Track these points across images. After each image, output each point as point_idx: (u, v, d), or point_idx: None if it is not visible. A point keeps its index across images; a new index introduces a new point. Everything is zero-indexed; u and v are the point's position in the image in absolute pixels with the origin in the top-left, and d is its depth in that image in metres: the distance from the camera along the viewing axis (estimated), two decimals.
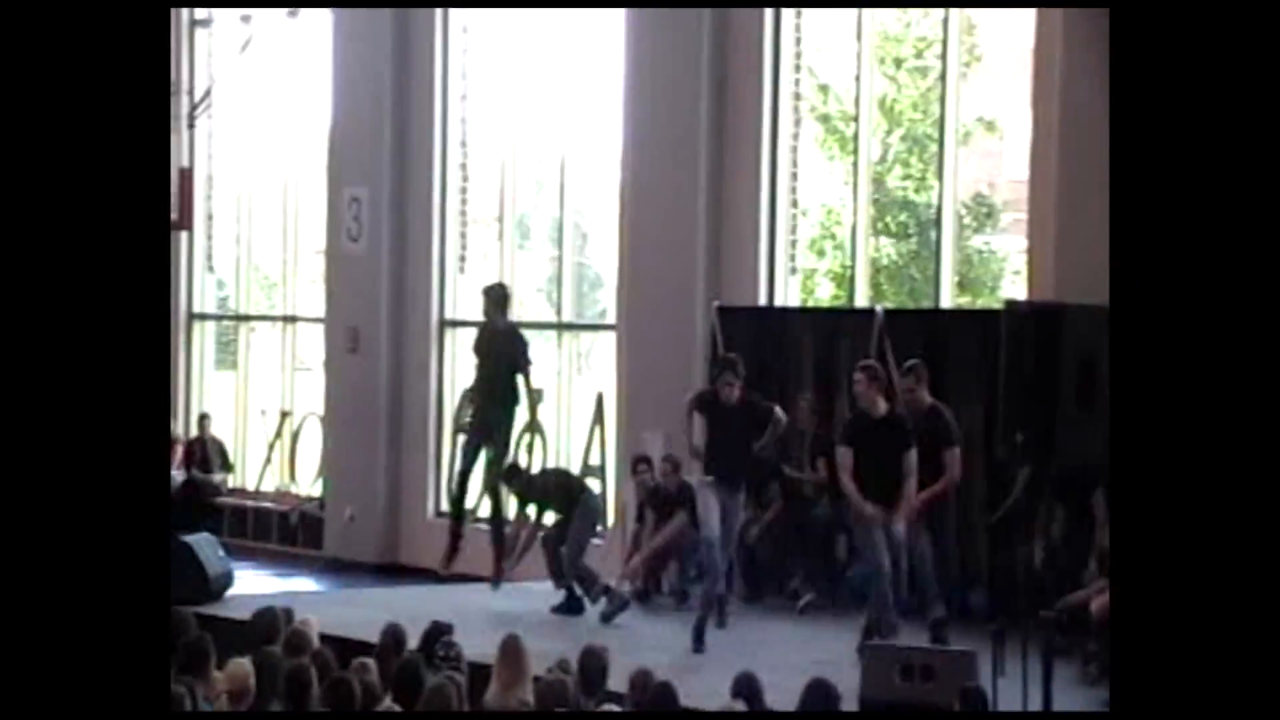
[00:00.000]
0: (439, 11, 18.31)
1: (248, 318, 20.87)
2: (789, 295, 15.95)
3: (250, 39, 19.16)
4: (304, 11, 19.38)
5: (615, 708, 8.54)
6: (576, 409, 17.55)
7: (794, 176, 15.92)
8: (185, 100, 19.37)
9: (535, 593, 14.08)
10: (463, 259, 18.48)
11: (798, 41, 15.91)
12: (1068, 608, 11.27)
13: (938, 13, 15.21)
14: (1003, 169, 15.85)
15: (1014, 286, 15.27)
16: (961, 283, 15.48)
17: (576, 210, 18.07)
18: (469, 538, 14.46)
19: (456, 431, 15.08)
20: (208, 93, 19.38)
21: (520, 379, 14.02)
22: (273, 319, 20.65)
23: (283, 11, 19.56)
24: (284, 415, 20.01)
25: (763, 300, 15.79)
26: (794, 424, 13.65)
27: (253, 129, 20.45)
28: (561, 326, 17.90)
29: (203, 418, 20.34)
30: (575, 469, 17.13)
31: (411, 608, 12.51)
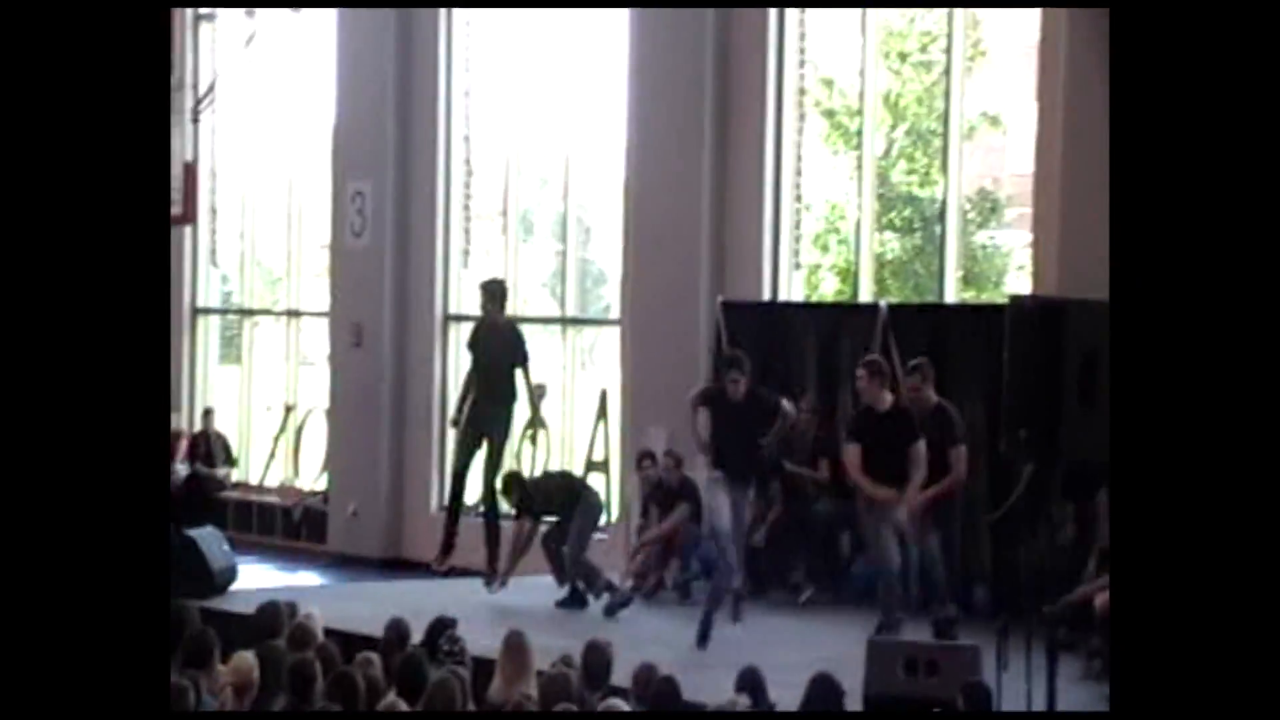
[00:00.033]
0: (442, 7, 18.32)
1: (251, 312, 20.88)
2: (793, 290, 15.94)
3: (254, 34, 19.15)
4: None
5: (619, 702, 8.54)
6: (580, 404, 17.55)
7: (798, 171, 15.91)
8: (190, 95, 19.34)
9: (539, 587, 14.08)
10: (466, 254, 18.48)
11: (802, 36, 15.90)
12: (1072, 604, 11.27)
13: (942, 7, 15.21)
14: (1007, 164, 15.84)
15: (1018, 282, 15.26)
16: (966, 278, 15.48)
17: (580, 205, 18.07)
18: (471, 532, 14.46)
19: (452, 424, 14.95)
20: (212, 87, 19.37)
21: (520, 375, 14.00)
22: (276, 313, 20.66)
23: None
24: (288, 410, 20.02)
25: (766, 295, 15.78)
26: (794, 425, 13.62)
27: (257, 124, 20.45)
28: (565, 322, 17.90)
29: (207, 412, 20.36)
30: (579, 464, 17.15)
31: (415, 602, 12.51)
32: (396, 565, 17.75)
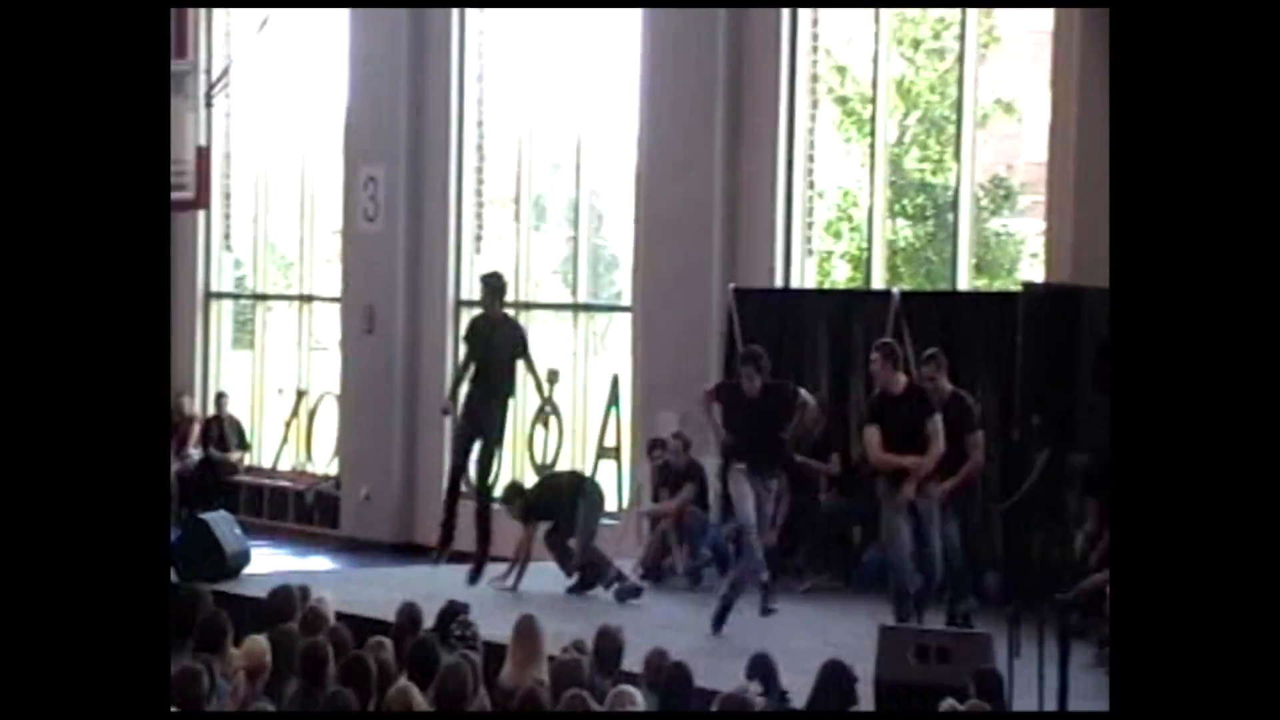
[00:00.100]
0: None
1: (264, 297, 20.91)
2: (805, 277, 15.94)
3: (267, 19, 19.15)
4: None
5: (630, 688, 8.55)
6: (592, 390, 17.56)
7: (810, 158, 15.91)
8: (203, 79, 19.35)
9: (550, 573, 14.08)
10: (479, 239, 18.49)
11: (814, 23, 15.89)
12: (1084, 591, 11.27)
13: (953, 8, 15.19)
14: (1020, 151, 15.82)
15: (1031, 269, 15.25)
16: (979, 265, 15.46)
17: (592, 191, 18.06)
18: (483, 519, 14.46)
19: (443, 412, 14.72)
20: (225, 72, 19.38)
21: (523, 367, 13.90)
22: (289, 298, 20.68)
23: None
24: (300, 394, 20.04)
25: (779, 282, 15.78)
26: (815, 418, 13.55)
27: (270, 108, 20.46)
28: (577, 308, 17.90)
29: (219, 396, 20.39)
30: (590, 450, 17.17)
31: (427, 587, 12.53)
32: (408, 550, 17.77)
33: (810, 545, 14.31)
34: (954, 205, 15.21)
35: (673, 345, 15.99)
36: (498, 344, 13.84)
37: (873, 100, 15.72)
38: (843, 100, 16.18)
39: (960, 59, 15.09)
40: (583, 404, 17.55)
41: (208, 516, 14.60)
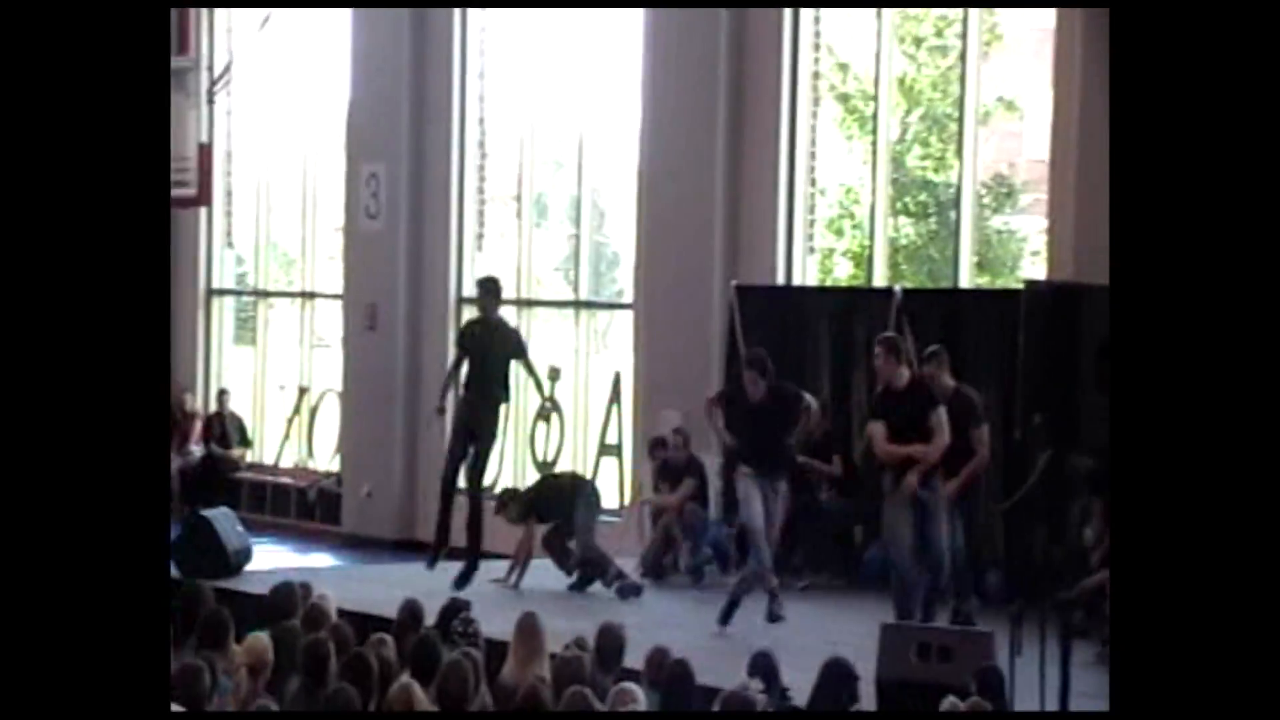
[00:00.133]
0: None
1: (266, 294, 20.91)
2: (807, 275, 15.93)
3: (269, 15, 19.15)
4: None
5: (632, 686, 8.56)
6: (594, 388, 17.56)
7: (812, 155, 15.90)
8: (205, 76, 19.32)
9: (551, 570, 14.09)
10: (480, 237, 18.49)
11: (817, 20, 15.88)
12: (1086, 589, 11.27)
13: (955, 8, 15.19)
14: (1023, 149, 15.82)
15: (1033, 267, 15.24)
16: (980, 263, 15.46)
17: (594, 189, 18.06)
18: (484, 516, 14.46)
19: (438, 412, 14.65)
20: (227, 68, 19.37)
21: (522, 367, 13.87)
22: (291, 295, 20.68)
23: None
24: (302, 391, 20.05)
25: (780, 280, 15.78)
26: (817, 421, 13.53)
27: (272, 105, 20.47)
28: (579, 305, 17.90)
29: (221, 393, 20.40)
30: (592, 447, 17.17)
31: (429, 584, 12.55)
32: (410, 547, 17.76)
33: (811, 545, 14.31)
34: (956, 203, 15.21)
35: (674, 343, 15.99)
36: (493, 348, 13.78)
37: (875, 98, 15.72)
38: (845, 98, 16.18)
39: (962, 57, 15.09)
40: (584, 402, 17.55)
41: (209, 513, 14.60)
